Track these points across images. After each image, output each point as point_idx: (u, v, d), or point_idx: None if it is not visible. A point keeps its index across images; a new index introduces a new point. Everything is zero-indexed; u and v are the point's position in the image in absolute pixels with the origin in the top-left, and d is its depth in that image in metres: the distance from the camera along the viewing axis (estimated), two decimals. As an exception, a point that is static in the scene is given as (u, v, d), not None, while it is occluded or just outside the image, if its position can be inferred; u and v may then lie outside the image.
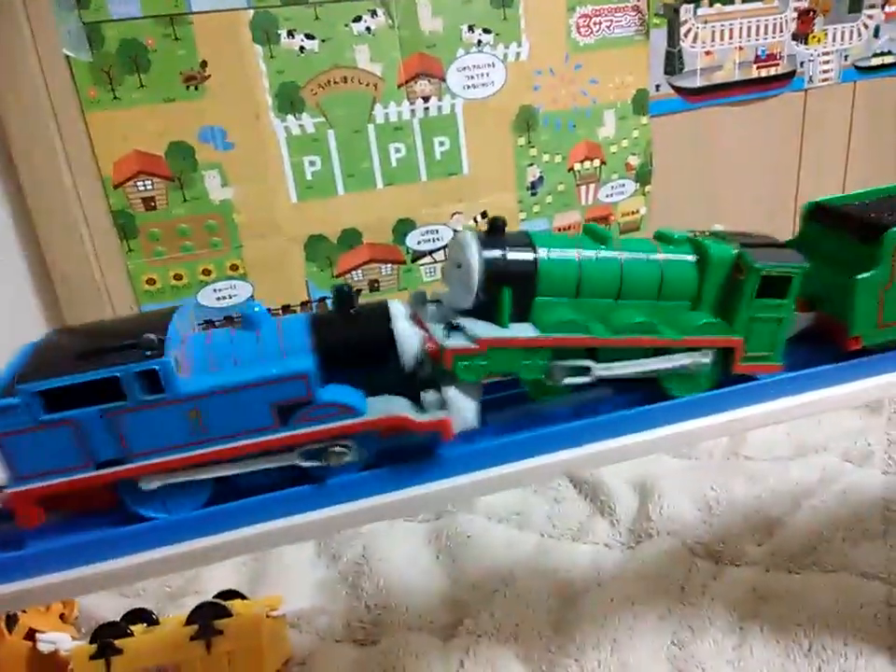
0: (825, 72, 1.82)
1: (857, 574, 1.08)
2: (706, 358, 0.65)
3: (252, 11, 1.31)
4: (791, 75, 1.78)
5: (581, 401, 0.66)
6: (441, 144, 1.51)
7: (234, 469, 0.57)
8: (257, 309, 0.59)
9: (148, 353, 0.52)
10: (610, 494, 1.28)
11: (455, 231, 0.64)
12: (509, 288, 0.60)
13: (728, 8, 1.66)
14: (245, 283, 1.44)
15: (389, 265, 1.54)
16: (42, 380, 0.51)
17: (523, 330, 0.60)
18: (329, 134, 1.42)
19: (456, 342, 0.58)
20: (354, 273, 1.52)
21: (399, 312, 0.59)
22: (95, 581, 0.56)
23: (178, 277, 1.40)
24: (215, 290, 1.43)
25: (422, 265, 1.57)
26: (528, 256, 0.61)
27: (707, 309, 0.66)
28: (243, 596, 1.01)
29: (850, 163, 1.92)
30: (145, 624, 0.97)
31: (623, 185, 1.70)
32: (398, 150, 1.48)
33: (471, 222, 1.58)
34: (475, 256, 0.59)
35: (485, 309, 0.61)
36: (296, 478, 0.58)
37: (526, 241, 0.61)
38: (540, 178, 1.61)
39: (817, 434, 1.38)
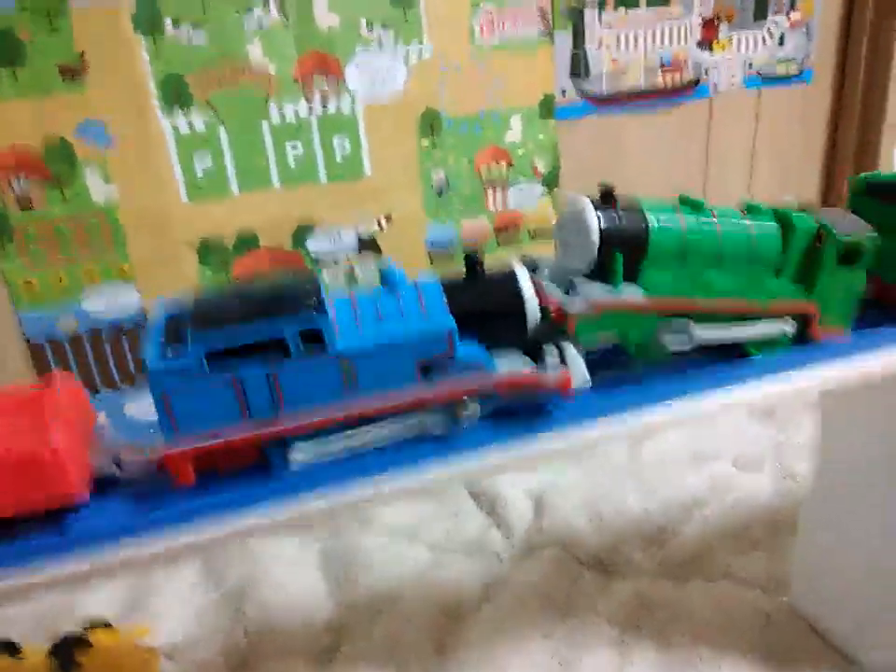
0: (730, 78, 1.84)
1: (739, 584, 1.09)
2: (788, 326, 0.69)
3: (134, 1, 1.24)
4: (696, 83, 1.79)
5: (676, 361, 0.68)
6: (342, 145, 1.47)
7: (375, 429, 0.58)
8: (396, 270, 0.61)
9: (313, 311, 0.53)
10: (507, 506, 1.27)
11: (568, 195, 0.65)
12: (621, 253, 0.62)
13: (632, 13, 1.66)
14: (131, 287, 1.37)
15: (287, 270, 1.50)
16: (209, 336, 0.52)
17: (632, 293, 0.64)
18: (220, 131, 1.37)
19: (577, 305, 0.61)
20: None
21: (524, 276, 0.61)
22: (251, 530, 0.56)
23: (59, 280, 1.33)
24: (101, 295, 1.36)
25: (324, 268, 1.53)
26: (640, 223, 0.63)
27: (789, 276, 0.70)
28: (110, 625, 0.96)
29: (755, 169, 1.95)
30: (7, 654, 0.92)
31: (532, 189, 1.69)
32: (295, 148, 1.43)
33: (375, 226, 1.54)
34: (594, 220, 0.61)
35: (597, 271, 0.64)
36: (420, 436, 0.60)
37: (637, 207, 0.64)
38: (446, 181, 1.58)
39: (712, 441, 1.40)
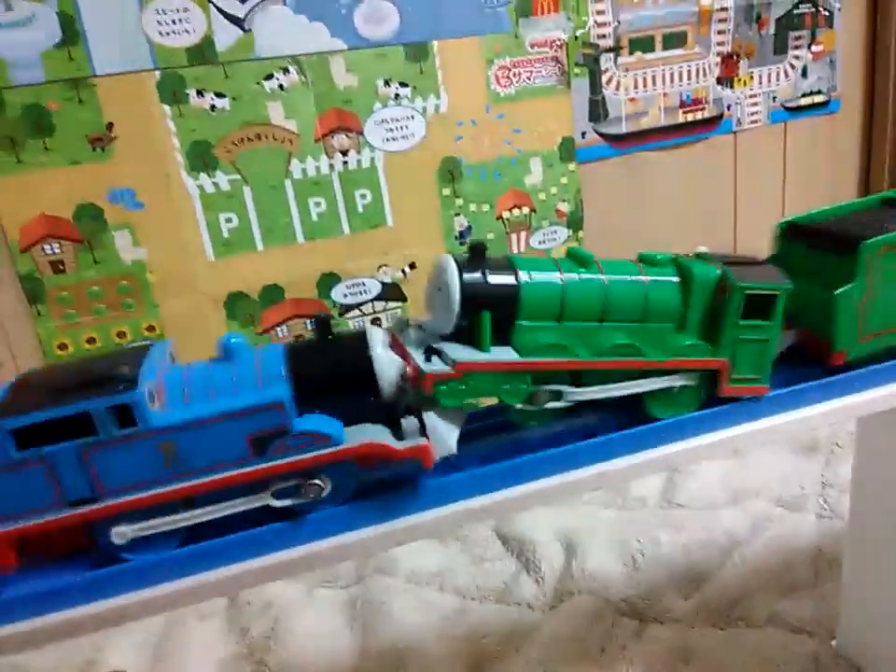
0: (753, 114, 1.83)
1: (784, 629, 1.03)
2: (682, 381, 0.64)
3: (158, 72, 1.31)
4: (718, 118, 1.79)
5: (565, 427, 0.64)
6: (363, 196, 1.50)
7: (208, 511, 0.54)
8: (234, 340, 0.57)
9: (121, 387, 0.51)
10: (536, 550, 1.23)
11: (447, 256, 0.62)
12: (489, 312, 0.58)
13: (649, 56, 1.67)
14: (161, 344, 1.40)
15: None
16: (13, 417, 0.50)
17: (503, 354, 0.59)
18: (244, 191, 1.41)
19: (434, 366, 0.57)
20: (278, 328, 1.49)
21: (377, 338, 0.57)
22: (73, 626, 0.53)
23: (91, 341, 1.37)
24: (130, 353, 1.39)
25: (350, 318, 1.54)
26: (509, 279, 0.60)
27: (693, 331, 0.65)
28: (129, 679, 0.95)
29: (787, 202, 1.92)
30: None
31: (556, 231, 1.69)
32: (318, 204, 1.47)
33: (399, 273, 1.56)
34: (455, 278, 0.58)
35: (467, 333, 0.60)
36: (272, 514, 0.56)
37: (507, 264, 0.61)
38: (469, 228, 1.59)
39: (750, 479, 1.34)
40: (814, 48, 1.85)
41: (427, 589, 1.19)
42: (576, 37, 1.58)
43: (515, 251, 1.65)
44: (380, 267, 1.54)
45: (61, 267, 1.32)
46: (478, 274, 0.59)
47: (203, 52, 1.32)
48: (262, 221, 1.43)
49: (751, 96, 1.81)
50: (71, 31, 1.24)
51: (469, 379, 0.57)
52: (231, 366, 0.56)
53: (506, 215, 1.62)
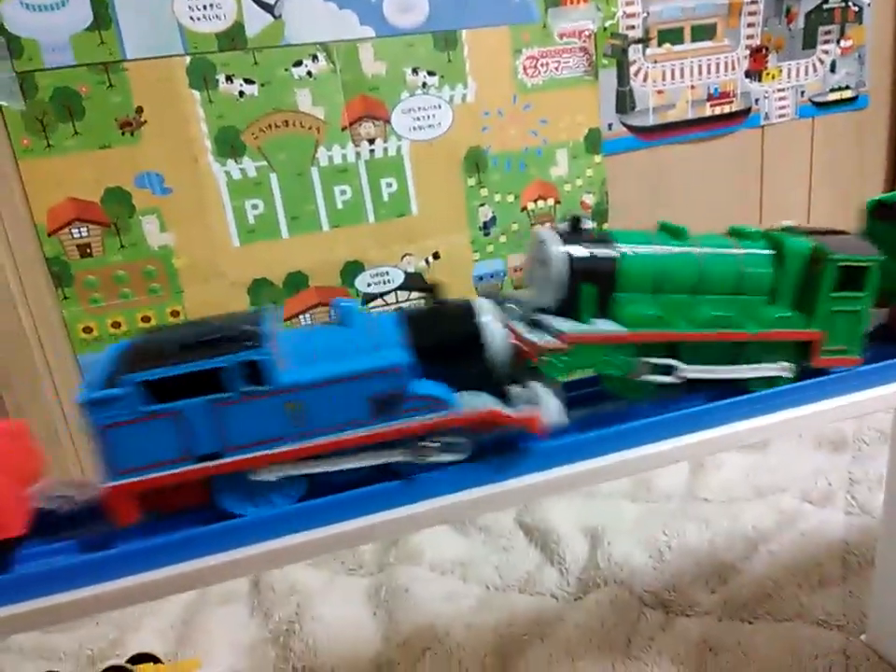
0: (781, 108, 1.81)
1: (812, 623, 1.02)
2: (787, 373, 0.65)
3: (189, 57, 1.31)
4: (746, 112, 1.77)
5: (659, 398, 0.65)
6: (389, 185, 1.49)
7: (330, 465, 0.56)
8: (348, 304, 0.59)
9: (250, 344, 0.52)
10: (560, 541, 1.22)
11: (539, 232, 0.64)
12: (590, 285, 0.60)
13: (678, 48, 1.66)
14: (185, 329, 1.41)
15: (338, 309, 1.51)
16: (145, 371, 0.51)
17: (605, 326, 0.61)
18: (271, 178, 1.41)
19: (542, 338, 0.59)
20: (301, 316, 1.49)
21: (485, 308, 0.59)
22: (186, 580, 0.54)
23: (116, 325, 1.37)
24: (155, 338, 1.40)
25: (373, 307, 1.54)
26: (611, 252, 0.61)
27: (785, 303, 0.66)
28: (157, 660, 0.95)
29: (813, 198, 1.90)
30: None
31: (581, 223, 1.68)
32: (343, 192, 1.46)
33: (423, 263, 1.55)
34: (559, 252, 0.59)
35: (566, 306, 0.61)
36: (385, 474, 0.57)
37: (607, 238, 0.62)
38: (493, 218, 1.59)
39: (775, 475, 1.33)
40: (843, 43, 1.83)
41: (451, 578, 1.19)
42: (605, 28, 1.57)
43: (539, 243, 1.64)
44: (404, 256, 1.54)
45: (88, 251, 1.33)
46: (580, 248, 0.60)
47: (233, 38, 1.32)
48: (288, 208, 1.43)
49: (779, 90, 1.79)
50: (102, 14, 1.24)
51: (575, 350, 0.59)
52: (348, 330, 0.57)
53: (531, 206, 1.62)
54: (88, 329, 1.36)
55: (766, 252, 0.65)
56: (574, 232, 0.61)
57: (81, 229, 1.31)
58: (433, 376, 0.56)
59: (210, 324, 0.56)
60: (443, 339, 0.57)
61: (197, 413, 0.52)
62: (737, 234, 0.67)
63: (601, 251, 0.60)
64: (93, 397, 0.50)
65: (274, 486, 0.55)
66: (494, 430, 0.57)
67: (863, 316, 0.66)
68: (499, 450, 0.59)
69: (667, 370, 0.62)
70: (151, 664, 0.94)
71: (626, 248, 0.61)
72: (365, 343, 0.56)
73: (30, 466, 0.57)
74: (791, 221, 0.72)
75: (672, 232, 0.65)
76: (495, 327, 0.57)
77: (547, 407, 0.57)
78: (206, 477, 0.53)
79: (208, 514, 0.55)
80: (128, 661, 0.93)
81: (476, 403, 0.57)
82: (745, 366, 0.64)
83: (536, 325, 0.60)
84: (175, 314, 1.40)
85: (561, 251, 0.59)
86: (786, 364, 0.65)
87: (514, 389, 0.58)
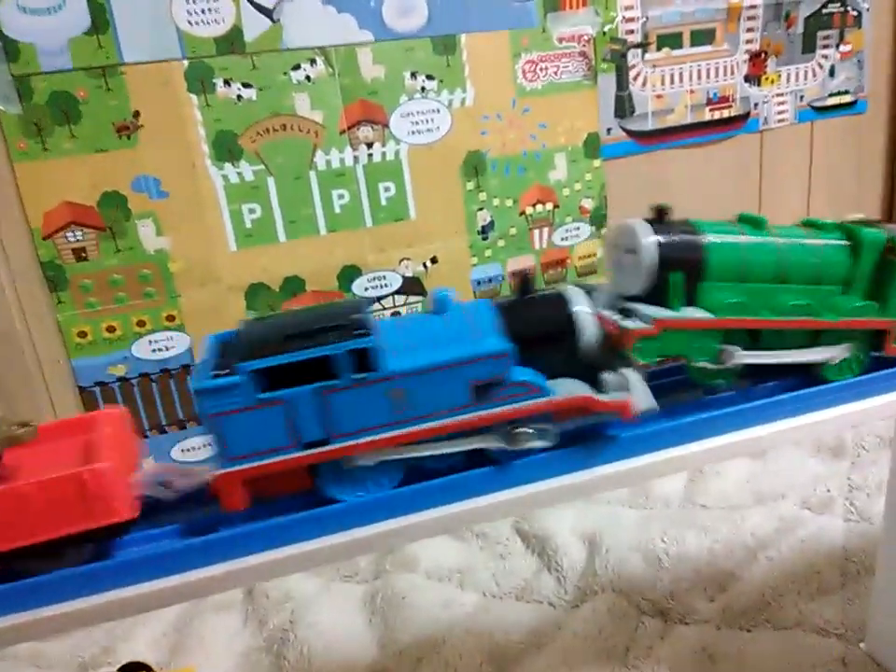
0: (780, 113, 1.81)
1: (811, 631, 1.01)
2: (846, 353, 0.67)
3: (186, 62, 1.30)
4: (745, 117, 1.77)
5: (737, 385, 0.67)
6: (387, 189, 1.49)
7: (431, 450, 0.57)
8: (445, 294, 0.60)
9: (359, 333, 0.53)
10: (558, 548, 1.22)
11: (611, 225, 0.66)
12: (679, 273, 0.61)
13: (677, 52, 1.66)
14: (182, 334, 1.40)
15: (336, 313, 1.50)
16: (256, 360, 0.52)
17: (694, 313, 0.62)
18: (269, 182, 1.40)
19: (635, 324, 0.60)
20: (299, 322, 1.48)
21: (577, 296, 0.60)
22: (291, 563, 0.55)
23: (111, 329, 1.36)
24: (150, 342, 1.39)
25: (370, 312, 1.53)
26: (698, 241, 0.62)
27: (859, 292, 0.68)
28: (149, 669, 0.94)
29: (812, 202, 1.90)
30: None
31: (578, 228, 1.68)
32: (341, 197, 1.46)
33: (421, 268, 1.55)
34: (650, 241, 0.61)
35: (652, 294, 0.62)
36: (476, 461, 0.59)
37: (692, 227, 0.64)
38: (491, 223, 1.58)
39: (775, 481, 1.32)
40: (842, 47, 1.83)
41: (448, 585, 1.18)
42: (604, 33, 1.57)
43: (538, 247, 1.64)
44: (402, 260, 1.53)
45: (83, 255, 1.32)
46: (670, 236, 0.62)
47: (231, 42, 1.31)
48: (285, 212, 1.42)
49: (778, 95, 1.79)
50: (100, 18, 1.24)
51: (665, 336, 0.60)
52: (446, 319, 0.59)
53: (529, 210, 1.61)
54: (83, 334, 1.35)
55: (842, 243, 0.67)
56: (660, 222, 0.63)
57: (77, 232, 1.31)
58: (526, 363, 0.57)
59: (316, 312, 0.58)
60: (537, 327, 0.59)
61: (306, 400, 0.53)
62: (812, 226, 0.69)
63: (689, 240, 0.62)
64: (207, 385, 0.52)
65: (374, 473, 0.57)
66: (584, 417, 0.59)
67: None
68: (586, 437, 0.60)
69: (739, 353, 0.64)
70: (144, 671, 0.93)
71: (713, 238, 0.63)
72: (463, 331, 0.57)
73: (132, 452, 0.58)
74: (860, 213, 0.74)
75: (752, 223, 0.66)
76: (586, 315, 0.59)
77: (638, 393, 0.59)
78: (310, 464, 0.55)
79: (310, 500, 0.56)
80: (119, 670, 0.92)
81: (569, 390, 0.58)
82: (819, 348, 0.66)
83: (625, 312, 0.62)
84: (170, 318, 1.39)
85: (651, 240, 0.61)
86: (846, 345, 0.66)
87: (606, 376, 0.59)
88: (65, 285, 1.32)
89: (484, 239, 1.58)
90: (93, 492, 0.51)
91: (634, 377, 0.59)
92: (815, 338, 0.66)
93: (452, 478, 0.57)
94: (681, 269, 0.61)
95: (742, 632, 1.03)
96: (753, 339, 0.65)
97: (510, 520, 1.29)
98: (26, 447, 0.54)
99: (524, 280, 0.60)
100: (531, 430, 0.57)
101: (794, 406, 0.64)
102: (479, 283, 1.59)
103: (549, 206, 1.63)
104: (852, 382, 0.67)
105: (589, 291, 0.63)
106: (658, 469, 0.61)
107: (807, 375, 0.67)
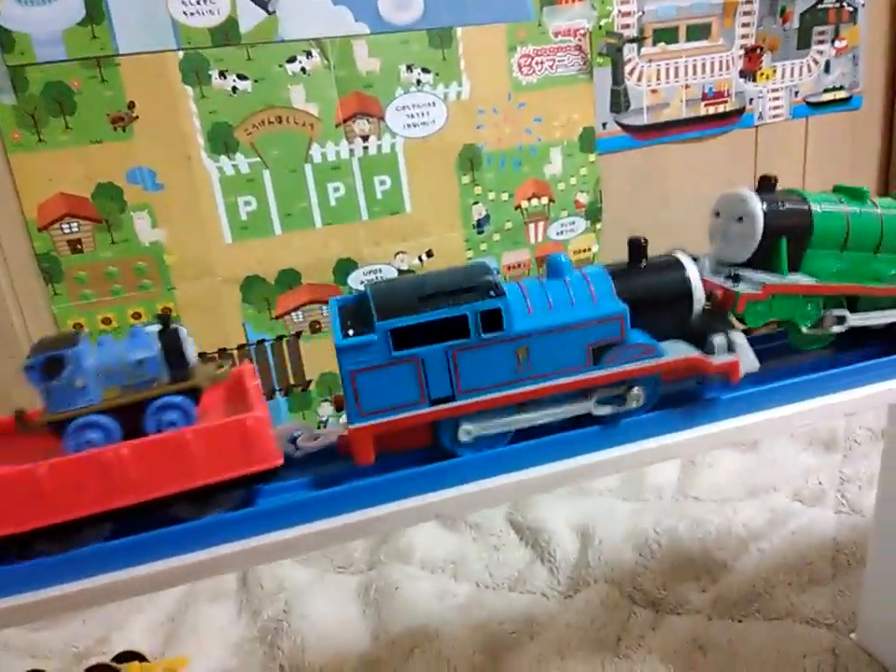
0: (775, 108, 1.81)
1: (802, 621, 1.02)
2: None
3: (181, 53, 1.30)
4: (740, 112, 1.77)
5: (835, 349, 0.70)
6: (382, 183, 1.49)
7: (547, 410, 0.59)
8: (563, 259, 0.62)
9: (491, 293, 0.55)
10: (551, 539, 1.22)
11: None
12: (785, 239, 0.64)
13: (673, 47, 1.66)
14: (177, 326, 1.40)
15: (331, 306, 1.50)
16: (393, 319, 0.54)
17: (801, 279, 0.65)
18: (264, 174, 1.40)
19: (745, 288, 0.62)
20: (294, 314, 1.49)
21: (689, 263, 0.62)
22: (417, 514, 0.58)
23: (107, 321, 1.36)
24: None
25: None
26: (804, 209, 0.65)
27: None
28: (143, 658, 0.95)
29: (807, 199, 1.90)
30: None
31: (574, 222, 1.68)
32: (337, 190, 1.46)
33: (416, 261, 1.55)
34: (758, 209, 0.63)
35: (757, 260, 0.65)
36: (585, 419, 0.60)
37: (798, 196, 0.66)
38: (487, 216, 1.58)
39: (767, 474, 1.33)
40: (837, 43, 1.84)
41: (441, 576, 1.18)
42: (600, 27, 1.57)
43: (533, 241, 1.64)
44: (397, 254, 1.53)
45: (78, 246, 1.32)
46: (777, 204, 0.64)
47: (226, 33, 1.31)
48: (281, 205, 1.42)
49: (774, 90, 1.79)
50: (95, 8, 1.23)
51: (773, 301, 0.63)
52: (564, 283, 0.60)
53: (525, 204, 1.61)
54: (78, 326, 1.35)
55: None
56: (766, 189, 0.65)
57: (72, 224, 1.31)
58: (639, 326, 0.59)
59: (446, 275, 0.59)
60: (653, 291, 0.61)
61: (437, 358, 0.55)
62: None
63: (796, 208, 0.65)
64: (348, 343, 0.54)
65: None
66: (689, 379, 0.61)
67: None
68: (688, 399, 0.62)
69: (841, 320, 0.66)
70: (137, 662, 0.93)
71: (818, 206, 0.65)
72: (581, 295, 0.59)
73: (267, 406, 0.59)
74: None
75: (851, 193, 0.68)
76: (698, 280, 0.61)
77: (743, 356, 0.60)
78: (434, 421, 0.57)
79: (432, 455, 0.59)
80: (113, 659, 0.93)
81: (679, 352, 0.60)
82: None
83: (734, 278, 0.64)
84: (166, 310, 1.39)
85: (760, 207, 0.63)
86: None
87: (714, 338, 0.61)
88: (61, 276, 1.32)
89: (480, 233, 1.58)
90: (254, 438, 0.53)
91: (740, 340, 0.61)
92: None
93: (563, 435, 0.59)
94: (788, 236, 0.64)
95: (733, 622, 1.04)
96: (851, 306, 0.67)
97: (503, 511, 1.29)
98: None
99: (636, 245, 0.62)
100: (640, 391, 0.59)
101: (887, 370, 0.66)
102: (474, 276, 1.59)
103: (544, 200, 1.63)
104: None
105: (696, 258, 0.65)
106: (758, 431, 0.63)
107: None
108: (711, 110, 1.74)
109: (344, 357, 0.54)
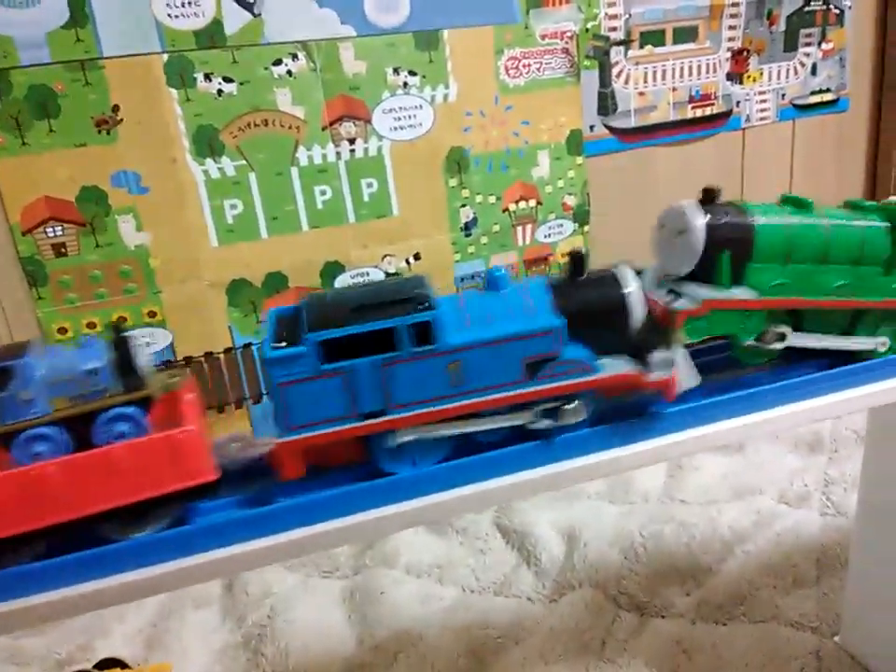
0: (762, 111, 1.82)
1: (786, 624, 1.02)
2: (883, 348, 0.68)
3: (166, 55, 1.29)
4: (727, 114, 1.78)
5: (777, 364, 0.69)
6: (369, 185, 1.49)
7: (480, 424, 0.58)
8: (498, 273, 0.61)
9: (422, 306, 0.54)
10: (537, 542, 1.22)
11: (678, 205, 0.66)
12: (727, 253, 0.62)
13: (659, 50, 1.66)
14: (163, 330, 1.40)
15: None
16: (322, 330, 0.53)
17: (742, 293, 0.63)
18: (250, 177, 1.40)
19: (684, 304, 0.62)
20: (281, 318, 1.48)
21: (628, 276, 0.60)
22: (342, 535, 0.56)
23: (92, 325, 1.36)
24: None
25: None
26: (746, 221, 0.64)
27: None
28: (125, 665, 0.94)
29: (794, 201, 1.90)
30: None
31: (562, 225, 1.68)
32: (323, 193, 1.46)
33: (403, 264, 1.55)
34: (699, 222, 0.62)
35: (698, 275, 0.64)
36: (523, 436, 0.59)
37: (740, 209, 0.65)
38: (474, 219, 1.58)
39: (752, 476, 1.33)
40: (824, 45, 1.84)
41: (427, 580, 1.18)
42: (587, 29, 1.57)
43: (521, 244, 1.64)
44: (384, 257, 1.53)
45: (63, 250, 1.31)
46: (719, 217, 0.63)
47: (211, 36, 1.31)
48: (267, 208, 1.42)
49: (761, 93, 1.80)
50: (79, 11, 1.23)
51: (713, 316, 0.62)
52: (501, 296, 0.60)
53: (512, 207, 1.61)
54: (63, 330, 1.34)
55: (884, 224, 0.68)
56: (708, 201, 0.64)
57: (56, 228, 1.30)
58: (577, 340, 0.58)
59: (379, 287, 0.59)
60: (590, 306, 0.60)
61: (367, 371, 0.54)
62: (854, 207, 0.70)
63: (738, 221, 0.64)
64: (276, 355, 0.53)
65: (424, 446, 0.58)
66: (630, 394, 0.60)
67: None
68: (630, 414, 0.61)
69: (782, 338, 0.65)
70: (119, 669, 0.93)
71: (761, 219, 0.64)
72: (518, 308, 0.58)
73: (205, 419, 0.58)
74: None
75: (797, 204, 0.67)
76: (637, 294, 0.59)
77: (683, 371, 0.60)
78: (365, 435, 0.56)
79: (363, 472, 0.57)
80: (95, 666, 0.92)
81: (617, 367, 0.59)
82: (842, 338, 0.67)
83: (674, 292, 0.63)
84: (151, 314, 1.38)
85: (702, 221, 0.62)
86: (883, 339, 0.68)
87: (652, 354, 0.60)
88: (45, 280, 1.31)
89: (468, 236, 1.58)
90: (185, 453, 0.52)
91: (679, 355, 0.60)
92: (856, 317, 0.68)
93: (499, 452, 0.58)
94: (730, 249, 0.63)
95: (718, 626, 1.04)
96: (797, 318, 0.66)
97: (490, 515, 1.29)
98: None
99: (576, 259, 0.61)
100: (577, 405, 0.58)
101: (831, 383, 0.65)
102: (462, 279, 1.59)
103: (532, 203, 1.63)
104: (887, 360, 0.68)
105: (637, 272, 0.64)
106: (699, 444, 0.63)
107: (842, 355, 0.68)
108: (698, 113, 1.74)
109: (272, 370, 0.53)
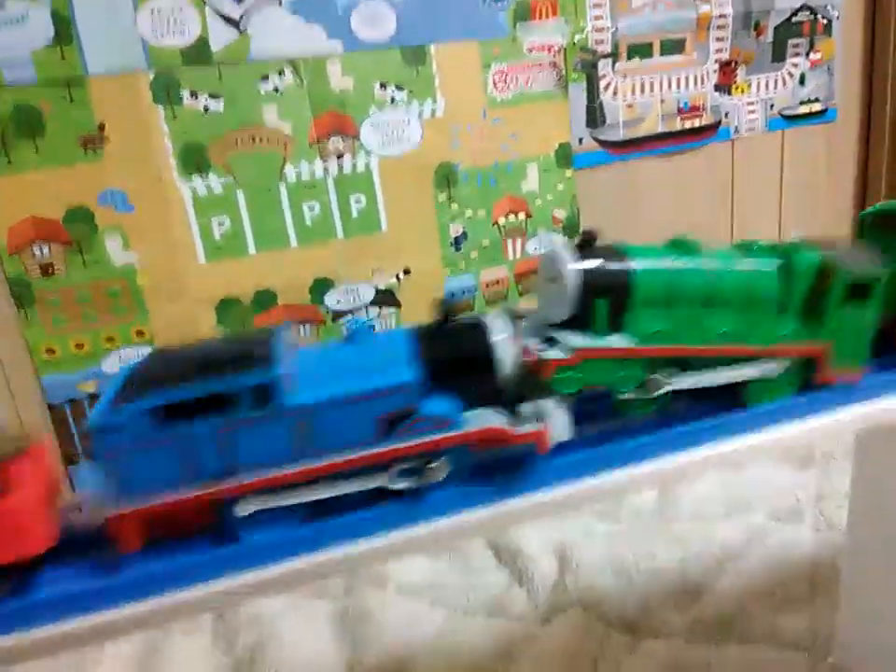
0: (751, 121, 1.82)
1: (780, 645, 1.02)
2: (774, 373, 0.65)
3: (152, 73, 1.29)
4: (716, 126, 1.78)
5: (663, 413, 0.65)
6: (358, 201, 1.48)
7: (333, 488, 0.55)
8: (357, 325, 0.57)
9: (260, 367, 0.51)
10: (529, 562, 1.21)
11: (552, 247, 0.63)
12: (604, 299, 0.60)
13: (647, 62, 1.66)
14: (150, 349, 1.38)
15: (307, 325, 1.49)
16: (151, 396, 0.50)
17: (618, 341, 0.61)
18: (237, 194, 1.39)
19: (554, 353, 0.58)
20: (270, 335, 1.47)
21: (496, 325, 0.58)
22: (194, 605, 0.53)
23: (80, 346, 1.35)
24: (120, 358, 1.37)
25: (344, 323, 1.52)
26: (623, 267, 0.61)
27: (792, 316, 0.66)
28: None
29: (784, 210, 1.91)
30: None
31: (551, 238, 1.68)
32: (311, 209, 1.45)
33: (393, 280, 1.54)
34: (570, 268, 0.59)
35: (579, 321, 0.61)
36: (388, 494, 0.56)
37: (619, 253, 0.62)
38: (464, 234, 1.58)
39: (745, 492, 1.33)
40: (812, 56, 1.85)
41: (418, 602, 1.17)
42: (574, 42, 1.57)
43: (511, 258, 1.64)
44: (374, 272, 1.52)
45: (50, 270, 1.30)
46: (593, 264, 0.60)
47: (197, 53, 1.30)
48: (255, 225, 1.41)
49: (749, 104, 1.80)
50: (64, 30, 1.22)
51: (587, 365, 0.59)
52: (358, 349, 0.58)
53: (502, 221, 1.61)
54: (51, 351, 1.33)
55: (775, 266, 0.65)
56: (586, 247, 0.61)
57: (43, 248, 1.29)
58: (444, 393, 0.56)
59: (222, 344, 0.56)
60: (454, 357, 0.57)
61: (203, 436, 0.51)
62: (746, 248, 0.68)
63: (614, 266, 0.60)
64: (99, 423, 0.50)
65: (276, 510, 0.54)
66: (500, 448, 0.57)
67: (869, 329, 0.66)
68: (503, 468, 0.58)
69: (660, 385, 0.62)
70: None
71: (639, 263, 0.61)
72: (375, 362, 0.56)
73: (50, 488, 0.56)
74: (798, 233, 0.73)
75: (682, 247, 0.65)
76: (506, 344, 0.57)
77: (555, 423, 0.57)
78: (214, 501, 0.53)
79: (211, 539, 0.54)
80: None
81: (482, 421, 0.56)
82: (741, 367, 0.64)
83: (549, 340, 0.60)
84: (140, 333, 1.37)
85: (574, 267, 0.59)
86: (772, 366, 0.65)
87: (524, 406, 0.57)
88: (32, 301, 1.30)
89: (457, 250, 1.58)
90: (11, 523, 0.50)
91: (552, 407, 0.57)
92: (746, 364, 0.64)
93: (360, 515, 0.55)
94: (606, 296, 0.60)
95: (711, 646, 1.03)
96: (681, 366, 0.63)
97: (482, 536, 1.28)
98: None
99: (443, 307, 0.58)
100: (441, 463, 0.55)
101: (715, 432, 0.63)
102: (452, 294, 1.58)
103: (521, 217, 1.63)
104: (775, 406, 0.65)
105: (519, 317, 0.62)
106: (573, 500, 0.59)
107: (734, 400, 0.65)
108: (687, 124, 1.74)
109: (97, 439, 0.50)
